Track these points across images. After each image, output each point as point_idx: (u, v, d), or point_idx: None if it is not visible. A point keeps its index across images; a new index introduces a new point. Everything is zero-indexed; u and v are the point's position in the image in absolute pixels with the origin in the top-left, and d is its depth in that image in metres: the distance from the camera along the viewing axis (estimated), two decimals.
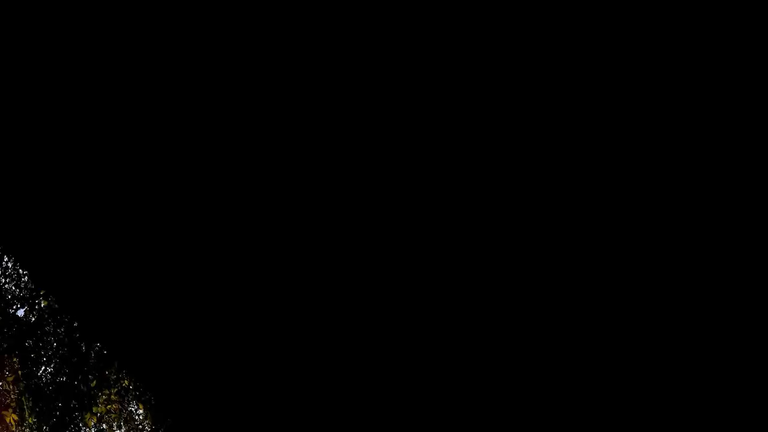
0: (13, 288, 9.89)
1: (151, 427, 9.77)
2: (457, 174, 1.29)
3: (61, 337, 9.78)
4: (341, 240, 1.40)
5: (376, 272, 1.44)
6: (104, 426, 10.03)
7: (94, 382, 9.58)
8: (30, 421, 10.63)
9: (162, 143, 1.36)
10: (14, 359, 10.23)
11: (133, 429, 10.09)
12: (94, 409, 9.61)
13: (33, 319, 9.87)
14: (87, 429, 10.26)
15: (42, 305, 9.71)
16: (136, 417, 10.12)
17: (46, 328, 9.79)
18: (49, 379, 10.08)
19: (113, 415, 9.97)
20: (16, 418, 10.57)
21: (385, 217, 1.35)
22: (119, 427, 10.08)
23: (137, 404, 9.98)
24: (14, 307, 9.90)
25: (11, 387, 10.55)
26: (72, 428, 10.35)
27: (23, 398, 10.51)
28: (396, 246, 1.39)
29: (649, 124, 1.18)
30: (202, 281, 1.56)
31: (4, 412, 10.61)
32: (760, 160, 1.18)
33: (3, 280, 9.90)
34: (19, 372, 10.28)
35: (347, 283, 1.48)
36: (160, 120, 1.34)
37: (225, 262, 1.52)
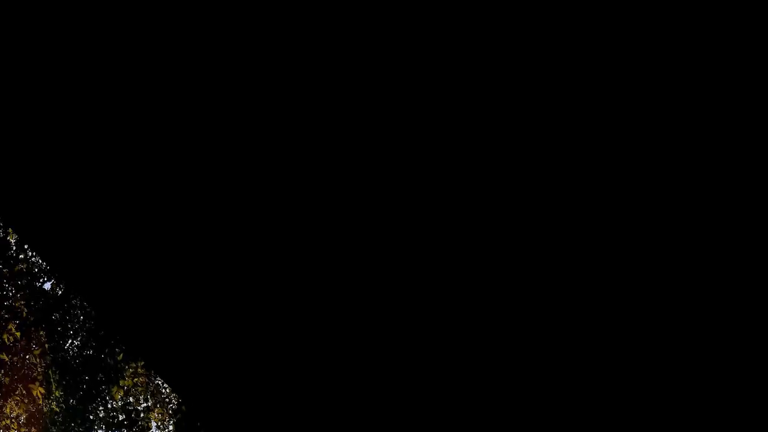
0: (40, 261, 9.90)
1: (178, 400, 9.78)
2: (456, 174, 1.27)
3: (87, 310, 9.80)
4: (345, 238, 1.36)
5: (377, 269, 1.39)
6: (131, 399, 10.08)
7: (121, 355, 9.60)
8: (57, 394, 10.71)
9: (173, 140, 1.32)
10: (41, 332, 10.28)
11: (159, 402, 10.13)
12: (121, 383, 9.65)
13: (60, 292, 9.89)
14: (114, 402, 10.31)
15: None
16: (163, 390, 10.15)
17: (73, 301, 9.82)
18: (76, 352, 10.13)
19: (140, 389, 10.01)
20: (42, 391, 10.65)
21: (386, 216, 1.30)
22: (146, 400, 10.12)
23: None
24: (41, 280, 9.93)
25: (38, 360, 10.62)
26: (99, 401, 10.41)
27: (50, 371, 10.59)
28: (397, 244, 1.34)
29: (649, 124, 1.16)
30: (204, 276, 1.52)
31: (30, 386, 10.69)
32: (760, 160, 1.15)
33: (30, 253, 9.92)
34: (46, 345, 10.34)
35: (349, 281, 1.43)
36: (166, 117, 1.29)
37: (229, 259, 1.47)
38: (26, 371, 10.65)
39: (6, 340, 10.27)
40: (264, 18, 1.17)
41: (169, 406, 10.12)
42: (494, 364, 1.49)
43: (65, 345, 10.06)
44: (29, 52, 1.29)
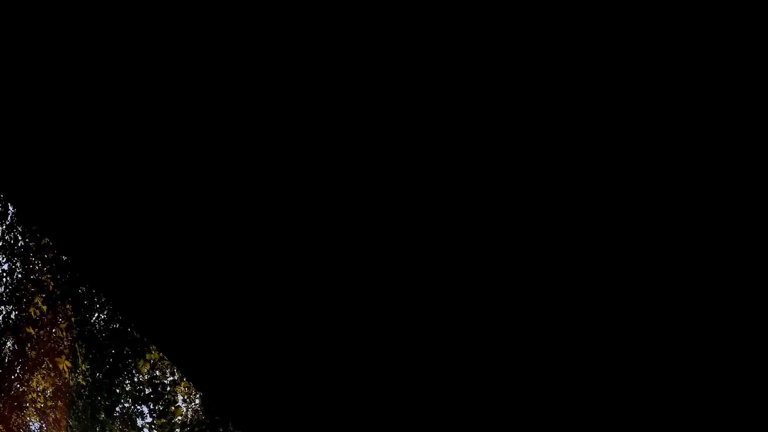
0: None
1: None
2: (456, 174, 1.30)
3: None
4: (345, 238, 1.45)
5: (377, 269, 1.47)
6: (157, 372, 10.11)
7: None
8: (83, 368, 10.77)
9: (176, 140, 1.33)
10: (67, 306, 10.32)
11: None
12: (147, 356, 9.67)
13: None
14: (140, 375, 10.35)
15: None
16: None
17: None
18: (102, 325, 10.16)
19: (166, 362, 10.03)
20: (69, 364, 10.71)
21: (387, 215, 1.38)
22: (172, 374, 10.15)
23: None
24: None
25: (64, 334, 10.67)
26: (125, 375, 10.46)
27: (76, 345, 10.63)
28: (397, 244, 1.42)
29: (649, 124, 1.17)
30: (210, 276, 1.61)
31: (57, 359, 10.76)
32: (760, 160, 1.15)
33: None
34: (73, 319, 10.37)
35: (352, 279, 1.52)
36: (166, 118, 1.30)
37: (235, 261, 1.58)
38: (53, 345, 10.71)
39: (33, 313, 10.33)
40: (264, 18, 1.17)
41: None
42: (495, 365, 1.49)
43: (91, 318, 10.09)
44: (43, 58, 1.35)
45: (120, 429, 11.50)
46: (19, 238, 10.02)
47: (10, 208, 9.90)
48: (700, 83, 1.08)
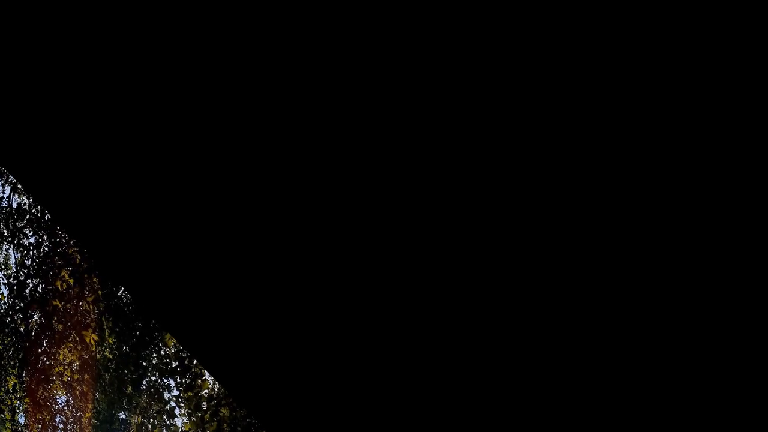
0: None
1: None
2: (456, 174, 1.30)
3: None
4: (344, 238, 1.44)
5: (376, 270, 1.46)
6: None
7: None
8: (110, 341, 10.80)
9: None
10: (94, 279, 10.32)
11: None
12: None
13: None
14: (167, 349, 10.36)
15: None
16: None
17: None
18: (129, 299, 10.16)
19: None
20: (96, 338, 10.74)
21: (386, 215, 1.37)
22: None
23: None
24: None
25: (91, 307, 10.68)
26: (152, 348, 10.48)
27: (103, 318, 10.65)
28: (397, 243, 1.41)
29: (649, 124, 1.14)
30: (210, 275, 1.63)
31: (84, 332, 10.79)
32: (760, 160, 1.13)
33: None
34: (99, 292, 10.38)
35: (348, 282, 1.52)
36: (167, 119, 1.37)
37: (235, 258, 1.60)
38: (79, 318, 10.74)
39: (59, 286, 10.34)
40: (263, 18, 1.18)
41: None
42: (495, 365, 1.51)
43: (118, 292, 10.09)
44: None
45: (147, 402, 11.58)
46: (46, 211, 10.01)
47: None
48: (700, 83, 1.07)
